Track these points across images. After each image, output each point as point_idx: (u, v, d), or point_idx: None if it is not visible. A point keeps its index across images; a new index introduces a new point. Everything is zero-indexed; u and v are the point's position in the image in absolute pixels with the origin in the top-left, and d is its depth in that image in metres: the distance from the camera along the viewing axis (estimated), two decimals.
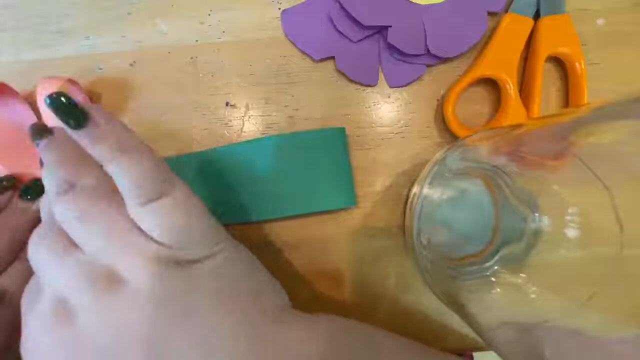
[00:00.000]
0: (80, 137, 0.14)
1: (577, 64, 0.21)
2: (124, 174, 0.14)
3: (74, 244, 0.14)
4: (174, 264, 0.14)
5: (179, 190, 0.15)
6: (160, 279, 0.14)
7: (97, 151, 0.14)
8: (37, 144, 0.15)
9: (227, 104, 0.23)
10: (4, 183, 0.20)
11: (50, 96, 0.14)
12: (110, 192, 0.15)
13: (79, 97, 0.22)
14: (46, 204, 0.17)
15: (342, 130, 0.22)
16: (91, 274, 0.14)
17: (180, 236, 0.14)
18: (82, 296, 0.13)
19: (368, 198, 0.22)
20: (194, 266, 0.15)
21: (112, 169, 0.14)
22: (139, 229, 0.14)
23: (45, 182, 0.15)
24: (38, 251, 0.15)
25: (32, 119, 0.22)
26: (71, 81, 0.22)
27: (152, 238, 0.14)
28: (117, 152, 0.14)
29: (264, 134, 0.23)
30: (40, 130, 0.15)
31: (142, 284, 0.13)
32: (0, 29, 0.24)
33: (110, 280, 0.13)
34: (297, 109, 0.23)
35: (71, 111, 0.14)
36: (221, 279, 0.15)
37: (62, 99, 0.14)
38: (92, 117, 0.14)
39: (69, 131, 0.14)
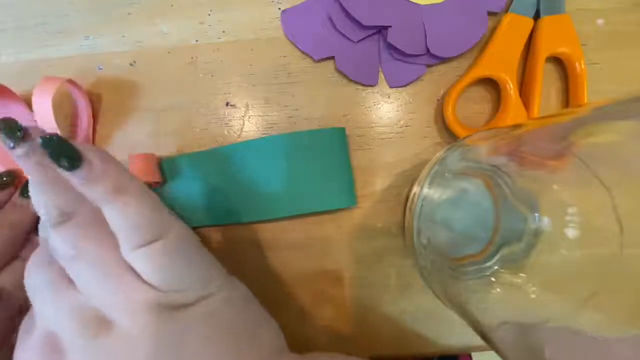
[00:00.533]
0: (73, 178, 0.13)
1: (577, 64, 0.21)
2: (118, 217, 0.14)
3: (70, 280, 0.14)
4: (166, 308, 0.14)
5: (174, 233, 0.14)
6: (150, 324, 0.13)
7: (92, 193, 0.13)
8: (10, 147, 0.12)
9: (227, 104, 0.23)
10: (4, 179, 0.20)
11: (43, 137, 0.12)
12: (106, 228, 0.14)
13: (80, 98, 0.22)
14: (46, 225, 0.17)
15: (342, 130, 0.22)
16: (83, 317, 0.13)
17: (172, 280, 0.14)
18: (72, 338, 0.13)
19: (368, 198, 0.22)
20: (186, 310, 0.14)
21: (106, 211, 0.14)
22: (133, 271, 0.14)
23: (36, 206, 0.14)
24: (35, 280, 0.14)
25: (31, 120, 0.22)
26: (71, 82, 0.22)
27: (144, 281, 0.14)
28: (112, 194, 0.13)
29: (264, 134, 0.23)
30: (12, 128, 0.12)
31: (132, 329, 0.13)
32: (0, 29, 0.24)
33: (100, 324, 0.13)
34: (297, 109, 0.23)
35: (64, 151, 0.13)
36: (214, 324, 0.15)
37: (55, 138, 0.13)
38: (86, 156, 0.13)
39: (61, 172, 0.13)
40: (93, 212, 0.14)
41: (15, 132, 0.12)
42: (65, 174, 0.13)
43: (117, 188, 0.13)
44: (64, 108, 0.23)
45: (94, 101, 0.23)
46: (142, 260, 0.14)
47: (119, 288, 0.13)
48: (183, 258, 0.14)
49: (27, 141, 0.13)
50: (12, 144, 0.12)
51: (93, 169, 0.13)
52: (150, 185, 0.21)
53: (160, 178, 0.22)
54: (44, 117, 0.20)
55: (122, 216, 0.14)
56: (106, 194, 0.13)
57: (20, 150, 0.13)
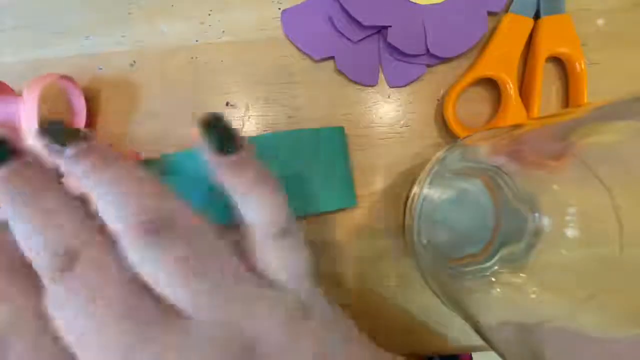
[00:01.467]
0: (226, 163, 0.12)
1: (577, 64, 0.21)
2: (262, 206, 0.13)
3: (170, 310, 0.11)
4: (301, 313, 0.12)
5: (299, 229, 0.13)
6: (294, 334, 0.12)
7: (240, 180, 0.13)
8: (58, 150, 0.11)
9: (227, 104, 0.23)
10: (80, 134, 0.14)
11: (209, 120, 0.12)
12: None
13: (75, 93, 0.22)
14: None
15: (341, 129, 0.21)
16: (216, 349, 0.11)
17: (302, 280, 0.13)
18: None
19: (368, 198, 0.22)
20: (309, 317, 0.13)
21: (249, 200, 0.13)
22: (258, 275, 0.13)
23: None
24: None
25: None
26: (65, 77, 0.21)
27: (276, 284, 0.13)
28: (257, 182, 0.13)
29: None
30: (73, 132, 0.11)
31: (277, 345, 0.12)
32: (0, 29, 0.24)
33: (242, 350, 0.11)
34: (297, 109, 0.23)
35: (230, 136, 0.12)
36: (327, 332, 0.13)
37: (223, 122, 0.12)
38: (241, 143, 0.13)
39: (212, 157, 0.12)
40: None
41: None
42: (219, 159, 0.12)
43: (260, 176, 0.13)
44: (62, 106, 0.23)
45: (93, 99, 0.23)
46: (277, 255, 0.13)
47: (251, 298, 0.12)
48: (308, 259, 0.14)
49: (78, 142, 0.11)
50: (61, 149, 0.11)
51: (244, 155, 0.13)
52: None
53: None
54: (29, 116, 0.19)
55: (265, 205, 0.13)
56: (253, 181, 0.13)
57: (69, 152, 0.11)
